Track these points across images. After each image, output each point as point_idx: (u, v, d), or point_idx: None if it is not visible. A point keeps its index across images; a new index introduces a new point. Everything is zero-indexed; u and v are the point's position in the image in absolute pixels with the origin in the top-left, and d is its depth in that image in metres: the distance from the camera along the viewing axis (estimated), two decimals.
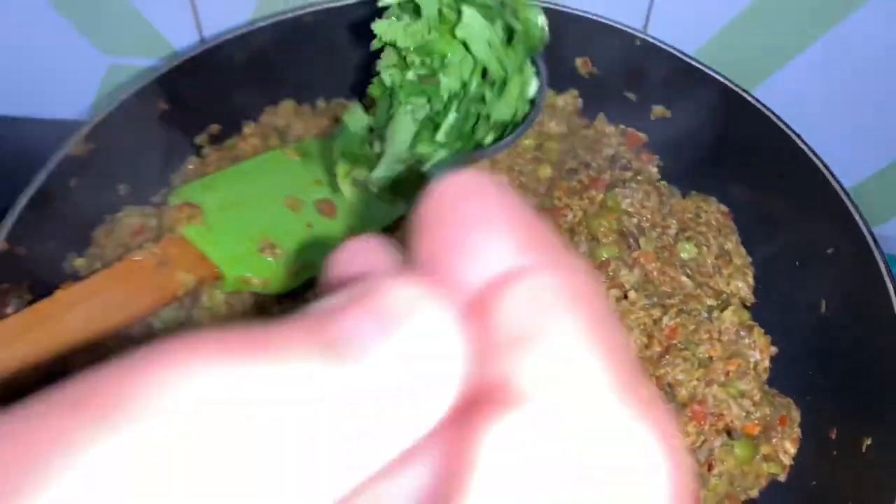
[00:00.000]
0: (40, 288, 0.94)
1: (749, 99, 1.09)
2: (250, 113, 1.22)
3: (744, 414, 0.91)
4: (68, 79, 1.50)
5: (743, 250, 1.11)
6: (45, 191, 0.96)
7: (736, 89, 1.10)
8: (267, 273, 0.97)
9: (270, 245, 0.99)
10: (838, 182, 0.99)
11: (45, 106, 1.53)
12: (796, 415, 0.97)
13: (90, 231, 1.05)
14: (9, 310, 0.89)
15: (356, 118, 1.07)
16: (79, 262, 1.02)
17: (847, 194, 0.98)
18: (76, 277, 1.01)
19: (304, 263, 1.00)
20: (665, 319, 0.97)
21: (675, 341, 0.96)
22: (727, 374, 0.93)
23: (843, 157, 1.07)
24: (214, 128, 1.20)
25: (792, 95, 1.26)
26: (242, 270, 0.96)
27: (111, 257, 1.01)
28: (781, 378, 1.00)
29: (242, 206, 1.02)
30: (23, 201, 0.93)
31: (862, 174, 1.42)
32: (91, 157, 1.01)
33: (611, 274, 1.04)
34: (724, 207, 1.14)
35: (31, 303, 0.92)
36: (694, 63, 1.12)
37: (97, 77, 1.51)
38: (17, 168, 1.15)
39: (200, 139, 1.19)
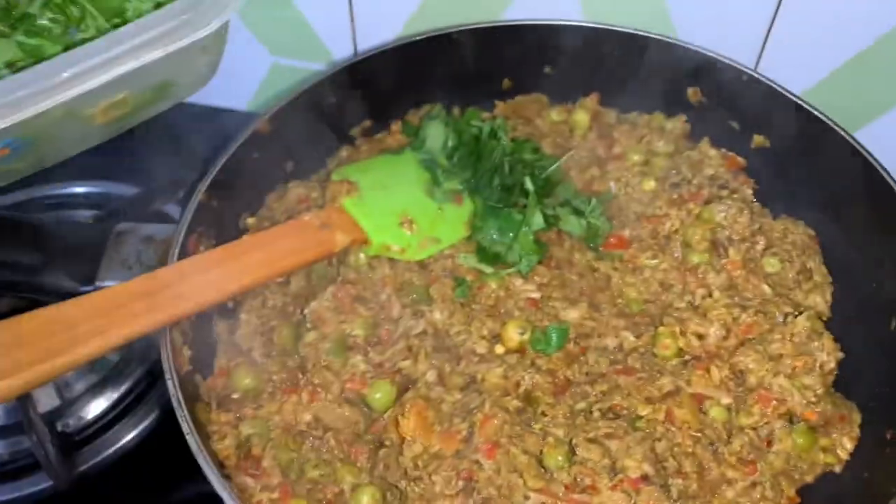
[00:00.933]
0: (222, 236, 1.17)
1: (847, 138, 1.20)
2: (397, 113, 1.43)
3: (804, 402, 1.03)
4: (236, 72, 1.75)
5: (825, 269, 1.22)
6: (234, 158, 1.18)
7: (836, 129, 1.21)
8: (404, 243, 1.17)
9: (409, 221, 1.18)
10: None
11: (213, 95, 1.79)
12: (857, 417, 1.08)
13: (263, 197, 1.27)
14: (201, 248, 1.12)
15: (434, 133, 1.26)
16: (251, 221, 1.25)
17: None
18: (247, 232, 1.24)
19: (433, 238, 1.19)
20: (743, 317, 1.10)
21: (750, 336, 1.09)
22: (794, 368, 1.05)
23: None
24: (366, 123, 1.41)
25: (891, 140, 1.36)
26: (385, 238, 1.16)
27: (278, 220, 1.23)
28: (849, 385, 1.11)
29: (389, 187, 1.22)
30: (219, 164, 1.16)
31: None
32: (271, 136, 1.24)
33: (700, 276, 1.18)
34: (811, 231, 1.26)
35: (216, 246, 1.15)
36: (795, 99, 1.25)
37: (262, 73, 1.77)
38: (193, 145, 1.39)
39: (354, 131, 1.41)
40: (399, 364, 1.06)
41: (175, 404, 0.93)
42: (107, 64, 0.91)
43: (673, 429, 1.00)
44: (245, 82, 1.76)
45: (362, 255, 1.17)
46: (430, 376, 1.03)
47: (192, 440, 0.90)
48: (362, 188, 1.19)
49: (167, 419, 0.92)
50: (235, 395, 1.06)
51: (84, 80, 0.90)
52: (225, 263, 1.02)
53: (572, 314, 1.14)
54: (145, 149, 1.78)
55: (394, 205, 1.20)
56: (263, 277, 1.05)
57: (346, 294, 1.09)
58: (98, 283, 1.14)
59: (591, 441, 0.96)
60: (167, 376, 0.95)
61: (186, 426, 0.91)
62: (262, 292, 1.16)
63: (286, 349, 1.11)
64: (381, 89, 1.38)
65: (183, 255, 1.06)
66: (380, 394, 1.03)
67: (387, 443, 1.01)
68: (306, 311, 1.09)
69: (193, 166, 1.34)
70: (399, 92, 1.41)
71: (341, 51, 1.62)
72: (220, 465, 0.99)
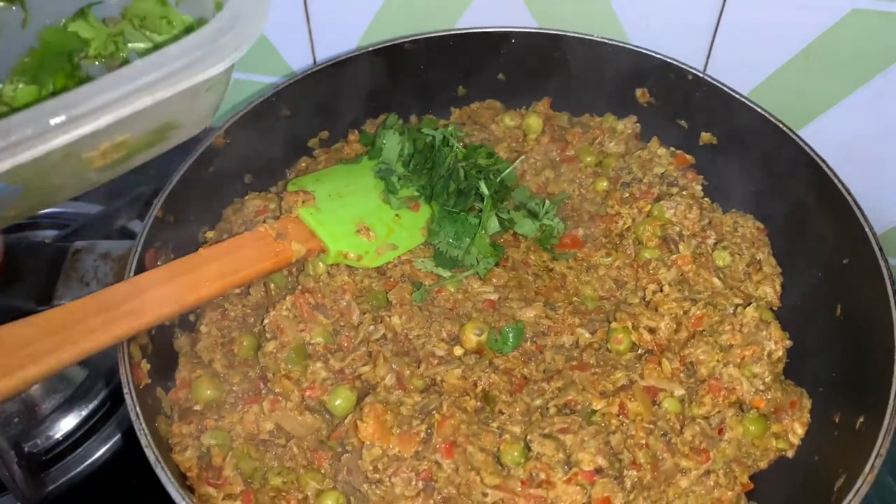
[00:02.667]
0: (181, 251, 1.18)
1: (791, 135, 1.24)
2: (354, 123, 1.45)
3: (753, 391, 1.06)
4: None
5: (773, 261, 1.26)
6: (190, 173, 1.20)
7: (780, 125, 1.25)
8: (361, 250, 1.19)
9: (366, 228, 1.20)
10: (857, 204, 1.13)
11: None
12: (807, 402, 1.11)
13: (221, 209, 1.29)
14: (159, 262, 1.13)
15: (391, 142, 1.29)
16: (210, 235, 1.26)
17: (863, 213, 1.12)
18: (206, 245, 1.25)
19: (391, 244, 1.21)
20: (693, 310, 1.13)
21: (700, 328, 1.12)
22: (743, 357, 1.08)
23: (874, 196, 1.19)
24: (323, 134, 1.43)
25: (835, 137, 1.40)
26: (343, 246, 1.17)
27: (237, 232, 1.25)
28: (798, 372, 1.15)
29: (345, 196, 1.24)
30: (174, 180, 1.17)
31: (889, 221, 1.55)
32: (226, 149, 1.25)
33: (651, 271, 1.21)
34: (759, 224, 1.29)
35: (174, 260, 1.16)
36: (739, 97, 1.29)
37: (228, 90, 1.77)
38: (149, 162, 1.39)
39: (312, 142, 1.43)
40: (359, 370, 1.07)
41: (133, 417, 0.94)
42: (114, 103, 0.84)
43: (627, 421, 1.03)
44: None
45: (321, 264, 1.18)
46: (390, 380, 1.04)
47: (151, 453, 0.91)
48: (318, 198, 1.21)
49: (134, 436, 0.93)
50: (197, 407, 1.07)
51: (88, 120, 0.83)
52: (181, 276, 1.03)
53: (529, 313, 1.16)
54: None
55: (350, 213, 1.22)
56: (220, 289, 1.06)
57: (304, 302, 1.11)
58: (55, 302, 1.15)
59: (545, 437, 0.98)
60: (125, 390, 0.96)
61: (145, 439, 0.92)
62: (222, 304, 1.17)
63: (247, 360, 1.13)
64: (338, 100, 1.40)
65: (140, 270, 1.07)
66: (340, 400, 1.04)
67: (348, 447, 1.03)
68: (265, 320, 1.10)
69: (156, 182, 1.35)
70: (355, 102, 1.43)
71: (300, 63, 1.64)
72: (183, 477, 1.00)
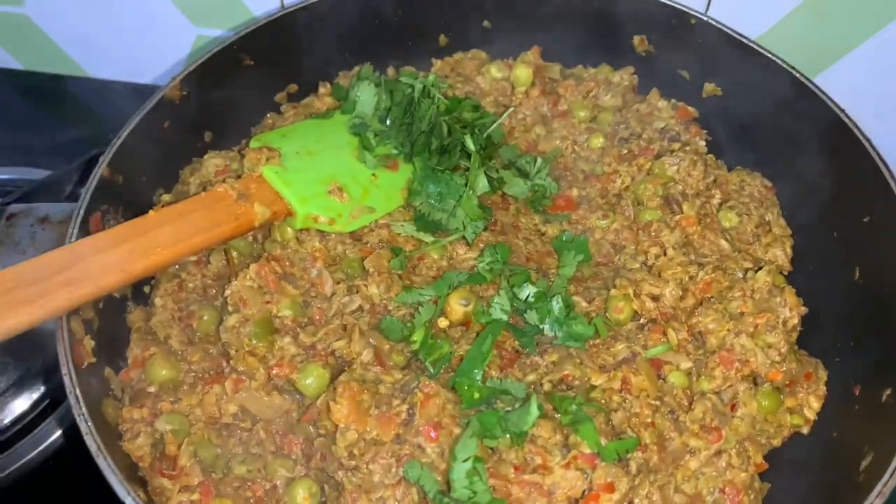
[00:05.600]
0: (131, 215, 1.06)
1: (806, 83, 1.13)
2: (326, 75, 1.32)
3: (769, 362, 0.96)
4: (159, 46, 1.63)
5: (783, 222, 1.16)
6: (141, 129, 1.07)
7: (794, 73, 1.14)
8: (334, 213, 1.07)
9: (338, 189, 1.08)
10: (880, 157, 1.03)
11: (137, 72, 1.68)
12: (823, 374, 1.02)
13: (178, 170, 1.16)
14: (106, 227, 1.01)
15: (365, 94, 1.17)
16: (166, 198, 1.14)
17: (888, 167, 1.02)
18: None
19: (366, 207, 1.09)
20: (700, 274, 1.02)
21: (708, 295, 1.02)
22: (756, 326, 0.98)
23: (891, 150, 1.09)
24: (292, 87, 1.31)
25: (849, 85, 1.29)
26: (312, 209, 1.05)
27: (196, 194, 1.12)
28: (813, 340, 1.05)
29: (316, 153, 1.12)
30: (123, 135, 1.04)
31: None
32: (182, 102, 1.13)
33: (652, 234, 1.10)
34: (767, 182, 1.19)
35: None
36: (748, 42, 1.17)
37: (187, 46, 1.64)
38: (105, 126, 1.27)
39: (280, 97, 1.30)
40: (332, 345, 0.96)
41: (73, 402, 0.82)
42: None
43: (630, 398, 0.93)
44: (169, 58, 1.64)
45: (289, 229, 1.06)
46: (367, 356, 0.93)
47: (92, 441, 0.80)
48: (285, 155, 1.08)
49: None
50: (151, 389, 0.95)
51: None
52: (128, 242, 0.91)
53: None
54: (62, 130, 1.67)
55: (321, 172, 1.10)
56: (173, 256, 0.94)
57: (270, 271, 0.99)
58: None
59: (540, 416, 0.87)
60: (63, 370, 0.84)
61: (85, 426, 0.81)
62: (179, 274, 1.06)
63: (208, 335, 1.01)
64: (307, 49, 1.27)
65: (83, 235, 0.95)
66: (311, 378, 0.93)
67: (322, 431, 0.92)
68: (227, 291, 0.99)
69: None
70: (328, 52, 1.30)
71: (266, 10, 1.50)
72: (134, 467, 0.89)
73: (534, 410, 0.85)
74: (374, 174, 1.14)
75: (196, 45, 1.61)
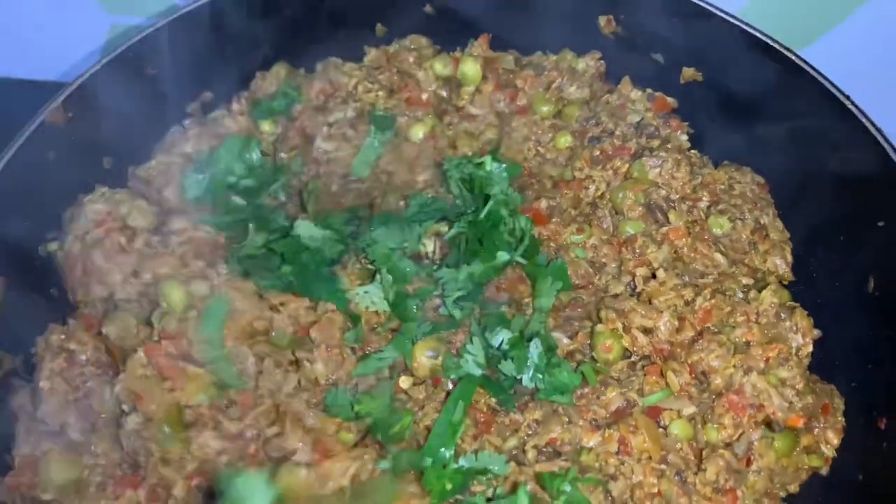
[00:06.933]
0: (16, 272, 0.88)
1: (794, 59, 0.99)
2: (243, 76, 1.13)
3: (786, 405, 0.83)
4: (66, 37, 1.40)
5: (780, 224, 1.02)
6: (18, 163, 0.88)
7: (780, 48, 1.00)
8: None
9: None
10: (892, 146, 0.90)
11: (39, 68, 1.45)
12: (839, 402, 0.89)
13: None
14: None
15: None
16: (52, 247, 0.94)
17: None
18: (49, 261, 0.94)
19: None
20: (699, 301, 0.88)
21: (709, 325, 0.87)
22: (767, 360, 0.84)
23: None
24: (207, 95, 1.11)
25: (840, 59, 1.15)
26: None
27: (87, 246, 0.92)
28: (824, 362, 0.92)
29: None
30: None
31: None
32: (68, 127, 0.93)
33: (637, 250, 0.96)
34: (759, 178, 1.05)
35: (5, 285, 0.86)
36: (730, 19, 1.02)
37: (101, 37, 1.42)
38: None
39: (193, 107, 1.10)
40: (265, 431, 0.79)
41: None
42: None
43: (629, 461, 0.78)
44: (78, 49, 1.41)
45: (176, 292, 0.85)
46: (304, 455, 0.76)
47: None
48: None
49: None
50: (47, 496, 0.77)
51: None
52: None
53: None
54: None
55: None
56: None
57: (161, 354, 0.80)
58: None
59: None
60: None
61: None
62: (65, 346, 0.86)
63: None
64: (215, 49, 1.07)
65: None
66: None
67: None
68: (115, 389, 0.79)
69: None
70: (240, 48, 1.10)
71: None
72: None
73: (523, 502, 0.70)
74: None
75: (111, 34, 1.40)
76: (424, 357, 0.84)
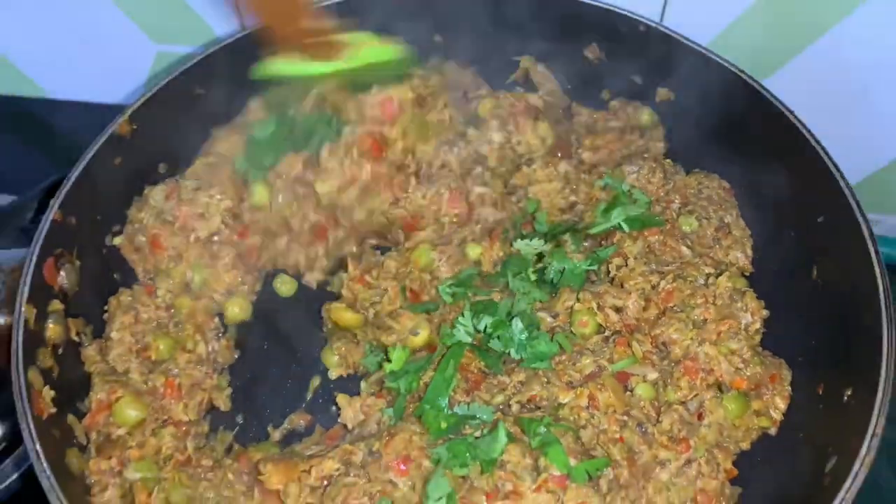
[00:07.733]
0: (87, 257, 1.05)
1: (755, 86, 1.14)
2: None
3: (733, 370, 0.97)
4: (118, 65, 1.59)
5: (742, 223, 1.17)
6: (91, 168, 1.05)
7: (740, 74, 1.15)
8: None
9: None
10: (829, 157, 1.04)
11: (97, 92, 1.64)
12: (787, 374, 1.03)
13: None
14: (62, 272, 0.99)
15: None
16: (118, 240, 1.12)
17: (837, 168, 1.04)
18: (115, 251, 1.12)
19: None
20: (662, 284, 1.03)
21: (671, 304, 1.02)
22: (719, 334, 0.99)
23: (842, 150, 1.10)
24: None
25: (799, 87, 1.29)
26: None
27: (150, 234, 1.10)
28: (776, 340, 1.06)
29: None
30: (73, 176, 1.03)
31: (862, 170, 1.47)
32: (133, 136, 1.11)
33: (616, 244, 1.10)
34: (725, 183, 1.20)
35: (80, 268, 1.03)
36: (695, 47, 1.18)
37: (146, 64, 1.61)
38: (70, 148, 1.24)
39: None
40: None
41: (34, 458, 0.81)
42: None
43: (598, 414, 0.93)
44: (130, 76, 1.60)
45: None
46: None
47: (56, 499, 0.79)
48: None
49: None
50: (120, 432, 0.94)
51: None
52: None
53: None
54: (22, 154, 1.63)
55: None
56: None
57: None
58: None
59: (509, 441, 0.87)
60: (22, 427, 0.82)
61: (47, 482, 0.79)
62: (133, 306, 1.05)
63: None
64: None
65: (38, 282, 0.94)
66: None
67: None
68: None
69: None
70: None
71: (226, 30, 1.48)
72: None
73: (502, 437, 0.85)
74: None
75: (157, 63, 1.58)
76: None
